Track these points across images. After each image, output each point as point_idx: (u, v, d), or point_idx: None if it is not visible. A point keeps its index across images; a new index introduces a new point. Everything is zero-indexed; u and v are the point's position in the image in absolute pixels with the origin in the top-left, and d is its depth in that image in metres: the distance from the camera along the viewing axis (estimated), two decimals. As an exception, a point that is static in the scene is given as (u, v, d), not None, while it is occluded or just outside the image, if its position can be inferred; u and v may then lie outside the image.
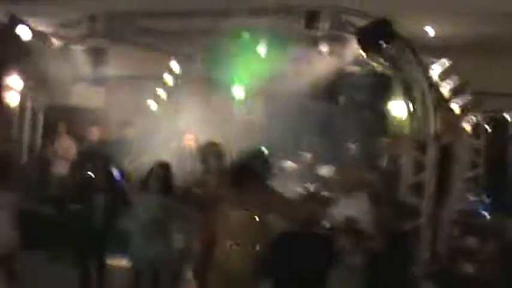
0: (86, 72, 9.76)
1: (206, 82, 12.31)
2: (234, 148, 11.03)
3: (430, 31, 8.86)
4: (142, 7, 8.96)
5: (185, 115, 11.68)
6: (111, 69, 10.23)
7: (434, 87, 7.48)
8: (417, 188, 7.29)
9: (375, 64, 9.59)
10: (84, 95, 12.68)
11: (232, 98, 11.85)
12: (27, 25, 9.14)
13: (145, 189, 6.33)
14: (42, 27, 9.69)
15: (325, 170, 9.97)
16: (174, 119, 12.07)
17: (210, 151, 6.72)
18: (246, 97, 11.30)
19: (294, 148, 10.11)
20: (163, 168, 6.39)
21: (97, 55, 9.71)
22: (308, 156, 10.58)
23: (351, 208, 6.03)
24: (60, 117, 11.07)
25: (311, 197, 7.32)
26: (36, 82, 9.47)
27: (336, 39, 8.21)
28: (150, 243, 6.11)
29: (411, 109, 7.37)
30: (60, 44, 9.29)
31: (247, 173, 5.26)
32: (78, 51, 9.61)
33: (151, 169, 6.41)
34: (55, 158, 10.28)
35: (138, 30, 9.14)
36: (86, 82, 9.97)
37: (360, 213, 5.95)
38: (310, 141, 9.87)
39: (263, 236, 5.19)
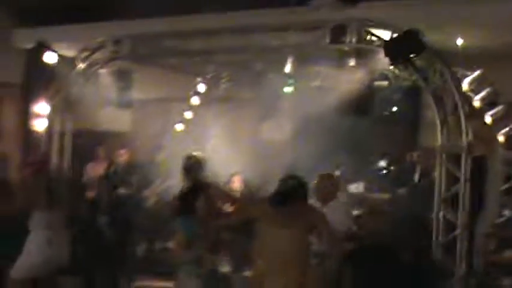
0: (112, 95, 9.77)
1: (232, 101, 12.34)
2: (261, 168, 11.16)
3: (461, 41, 8.74)
4: (166, 28, 9.00)
5: (212, 136, 11.71)
6: (137, 91, 10.25)
7: (466, 98, 7.34)
8: (451, 202, 7.13)
9: (404, 77, 9.60)
10: (111, 118, 12.78)
11: (259, 117, 11.84)
12: (54, 50, 9.21)
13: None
14: (68, 52, 9.77)
15: (354, 187, 9.88)
16: (201, 140, 12.12)
17: (191, 163, 6.87)
18: (272, 115, 11.25)
19: (321, 166, 10.00)
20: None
21: (122, 77, 9.72)
22: (337, 173, 10.47)
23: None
24: (89, 141, 11.14)
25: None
26: (63, 106, 9.50)
27: (363, 53, 8.12)
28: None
29: (443, 121, 7.22)
30: (85, 68, 9.31)
31: (290, 197, 5.30)
32: (104, 74, 9.64)
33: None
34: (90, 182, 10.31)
35: (163, 51, 9.13)
36: (112, 105, 9.97)
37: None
38: (338, 158, 9.76)
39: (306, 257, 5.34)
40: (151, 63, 10.05)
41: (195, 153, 7.14)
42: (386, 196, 10.05)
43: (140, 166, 10.20)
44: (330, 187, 6.76)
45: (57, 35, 10.24)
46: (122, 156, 10.18)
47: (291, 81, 10.44)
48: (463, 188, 6.97)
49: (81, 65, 9.31)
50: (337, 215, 6.25)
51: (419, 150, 10.00)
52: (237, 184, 9.62)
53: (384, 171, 10.36)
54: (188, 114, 12.06)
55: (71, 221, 7.17)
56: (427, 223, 9.12)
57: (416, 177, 9.65)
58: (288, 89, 10.79)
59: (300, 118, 11.10)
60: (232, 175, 9.68)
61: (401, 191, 9.82)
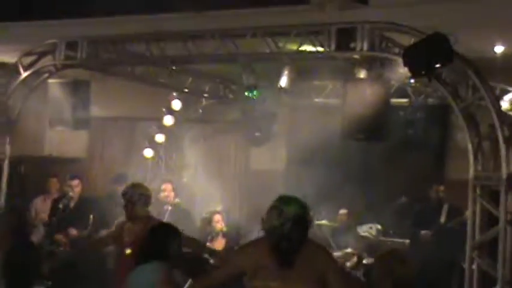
0: (64, 111, 9.65)
1: (215, 122, 12.27)
2: (249, 205, 11.06)
3: (500, 49, 8.71)
4: (133, 29, 8.93)
5: (189, 164, 11.63)
6: (96, 107, 10.14)
7: (506, 119, 7.27)
8: (488, 249, 7.03)
9: (427, 93, 9.54)
10: (62, 141, 12.67)
11: (247, 142, 11.75)
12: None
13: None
14: (7, 56, 9.69)
15: (366, 230, 9.81)
16: (176, 169, 12.03)
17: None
18: (264, 140, 11.16)
19: (325, 202, 9.94)
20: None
21: (77, 90, 9.60)
22: (344, 212, 10.42)
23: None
24: (31, 169, 11.00)
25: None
26: (0, 125, 9.38)
27: (376, 63, 8.07)
28: None
29: (477, 147, 7.16)
30: (30, 77, 9.21)
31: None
32: (54, 85, 9.54)
33: None
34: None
35: (129, 57, 9.05)
36: (64, 125, 9.84)
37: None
38: (346, 194, 9.67)
39: None
40: (114, 72, 9.96)
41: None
42: (406, 241, 9.97)
43: (98, 200, 10.03)
44: None
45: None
46: (75, 188, 10.00)
47: (288, 97, 10.37)
48: (503, 231, 6.85)
49: (24, 74, 9.18)
50: None
51: (446, 183, 9.96)
52: (219, 224, 9.55)
53: (404, 210, 10.28)
54: (159, 137, 11.97)
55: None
56: (457, 274, 9.07)
57: (443, 217, 9.57)
58: (284, 108, 10.73)
59: (298, 143, 11.05)
60: (212, 213, 9.62)
61: (425, 234, 9.72)
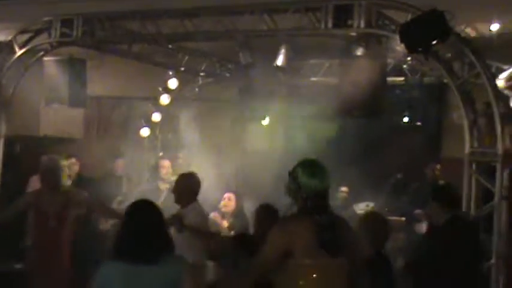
0: (60, 90, 9.67)
1: (211, 101, 12.29)
2: (246, 185, 11.08)
3: (496, 27, 8.73)
4: (129, 6, 8.92)
5: (185, 143, 11.66)
6: (92, 86, 10.15)
7: (501, 96, 7.32)
8: (484, 223, 7.10)
9: (424, 70, 9.59)
10: (58, 120, 12.69)
11: (244, 120, 11.80)
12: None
13: None
14: (2, 34, 9.68)
15: (363, 208, 9.85)
16: (172, 148, 12.06)
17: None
18: (261, 118, 11.22)
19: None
20: None
21: (73, 68, 9.61)
22: (345, 189, 10.47)
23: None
24: (26, 149, 11.00)
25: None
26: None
27: (373, 41, 8.09)
28: None
29: (472, 124, 7.20)
30: (25, 55, 9.22)
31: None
32: (49, 63, 9.54)
33: None
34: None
35: (125, 35, 9.05)
36: (60, 103, 9.85)
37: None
38: (342, 172, 9.73)
39: None
40: (109, 50, 9.96)
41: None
42: (402, 218, 10.03)
43: (94, 180, 10.08)
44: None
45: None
46: (72, 166, 10.04)
47: (284, 76, 10.39)
48: (499, 207, 6.91)
49: (19, 52, 9.19)
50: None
51: (442, 161, 10.02)
52: (230, 205, 9.15)
53: (400, 188, 10.33)
54: (156, 116, 12.00)
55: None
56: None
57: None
58: (280, 87, 10.78)
59: (294, 121, 11.10)
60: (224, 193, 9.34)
61: (419, 213, 9.82)
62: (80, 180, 9.96)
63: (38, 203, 7.17)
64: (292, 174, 4.76)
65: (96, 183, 9.84)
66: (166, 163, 9.68)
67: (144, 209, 4.54)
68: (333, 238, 4.59)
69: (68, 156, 10.05)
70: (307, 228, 4.59)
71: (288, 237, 4.61)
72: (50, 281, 7.02)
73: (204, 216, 7.27)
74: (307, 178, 4.70)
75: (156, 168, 9.56)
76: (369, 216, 5.90)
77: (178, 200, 7.16)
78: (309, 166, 4.83)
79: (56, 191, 7.16)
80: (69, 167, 9.97)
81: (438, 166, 9.93)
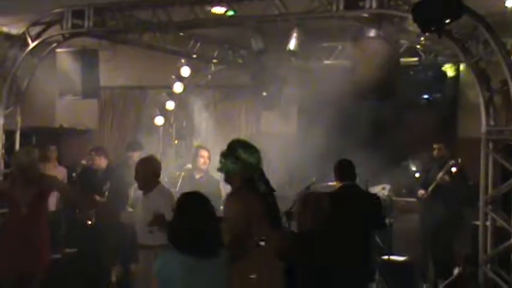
0: (74, 81, 9.66)
1: (224, 88, 12.26)
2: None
3: (511, 4, 8.61)
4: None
5: (200, 130, 11.64)
6: (105, 76, 10.15)
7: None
8: (501, 202, 7.04)
9: (437, 50, 9.50)
10: (73, 111, 12.70)
11: (258, 106, 11.75)
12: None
13: None
14: (13, 28, 9.66)
15: (378, 190, 9.79)
16: (187, 136, 12.05)
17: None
18: (275, 104, 11.15)
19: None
20: None
21: (86, 59, 9.61)
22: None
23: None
24: (43, 140, 11.02)
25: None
26: (10, 97, 9.38)
27: (386, 21, 8.00)
28: None
29: (488, 102, 7.12)
30: (38, 47, 9.20)
31: None
32: (62, 54, 9.54)
33: None
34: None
35: (137, 24, 9.01)
36: (74, 94, 9.85)
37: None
38: (356, 154, 9.68)
39: None
40: (121, 40, 9.93)
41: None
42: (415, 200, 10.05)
43: (111, 169, 10.07)
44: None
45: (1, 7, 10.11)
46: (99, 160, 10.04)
47: (297, 60, 10.32)
48: (517, 185, 6.86)
49: (32, 44, 9.18)
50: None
51: (458, 141, 9.93)
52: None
53: (416, 172, 10.28)
54: (170, 105, 11.98)
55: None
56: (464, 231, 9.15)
57: (439, 175, 9.60)
58: (294, 70, 10.71)
59: (308, 105, 11.03)
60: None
61: (421, 193, 9.86)
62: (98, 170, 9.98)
63: (12, 193, 7.12)
64: (232, 155, 5.19)
65: (111, 173, 9.83)
66: (205, 153, 9.12)
67: (200, 200, 4.54)
68: (277, 209, 5.16)
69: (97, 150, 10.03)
70: (258, 201, 5.06)
71: (247, 209, 5.04)
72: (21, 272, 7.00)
73: (170, 197, 6.91)
74: (249, 156, 5.20)
75: (195, 156, 9.25)
76: (309, 195, 6.16)
77: (143, 186, 6.95)
78: (247, 146, 5.35)
79: (30, 182, 7.09)
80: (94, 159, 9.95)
81: (440, 145, 9.82)
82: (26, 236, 6.97)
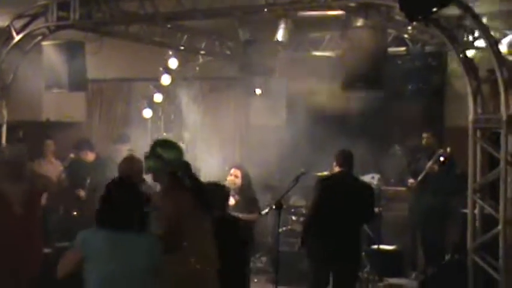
0: (60, 74, 9.59)
1: (212, 80, 12.22)
2: (250, 161, 11.05)
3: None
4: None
5: (188, 123, 11.61)
6: (92, 69, 10.07)
7: (504, 62, 7.21)
8: (489, 190, 7.06)
9: (424, 40, 9.49)
10: (60, 104, 12.63)
11: (246, 98, 11.72)
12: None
13: None
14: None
15: (368, 179, 9.78)
16: (175, 128, 12.01)
17: None
18: (263, 95, 11.13)
19: (326, 155, 9.91)
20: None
21: (72, 51, 9.52)
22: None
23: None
24: (30, 134, 10.95)
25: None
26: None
27: (373, 10, 7.98)
28: None
29: (475, 90, 7.12)
30: (22, 40, 9.14)
31: None
32: (48, 47, 9.45)
33: None
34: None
35: (123, 16, 8.94)
36: (60, 87, 9.77)
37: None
38: (345, 144, 9.70)
39: None
40: (108, 32, 9.86)
41: None
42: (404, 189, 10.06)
43: (98, 163, 10.03)
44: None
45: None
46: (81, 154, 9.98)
47: (285, 51, 10.30)
48: (504, 173, 6.84)
49: (17, 37, 9.10)
50: None
51: (446, 130, 9.94)
52: (237, 181, 8.31)
53: (401, 159, 10.31)
54: (158, 97, 11.93)
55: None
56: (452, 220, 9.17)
57: (428, 164, 9.61)
58: (282, 61, 10.67)
59: (297, 96, 11.01)
60: (229, 168, 8.54)
61: (411, 182, 9.83)
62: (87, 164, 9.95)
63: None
64: (153, 154, 5.31)
65: (99, 167, 9.78)
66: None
67: (124, 185, 4.78)
68: (206, 201, 5.31)
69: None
70: (185, 197, 5.19)
71: (177, 207, 5.14)
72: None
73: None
74: (168, 153, 5.31)
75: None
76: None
77: None
78: (166, 143, 5.51)
79: (19, 178, 6.97)
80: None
81: (428, 134, 9.84)
82: (22, 236, 6.88)
